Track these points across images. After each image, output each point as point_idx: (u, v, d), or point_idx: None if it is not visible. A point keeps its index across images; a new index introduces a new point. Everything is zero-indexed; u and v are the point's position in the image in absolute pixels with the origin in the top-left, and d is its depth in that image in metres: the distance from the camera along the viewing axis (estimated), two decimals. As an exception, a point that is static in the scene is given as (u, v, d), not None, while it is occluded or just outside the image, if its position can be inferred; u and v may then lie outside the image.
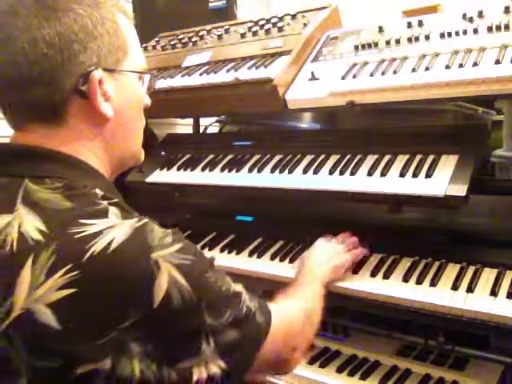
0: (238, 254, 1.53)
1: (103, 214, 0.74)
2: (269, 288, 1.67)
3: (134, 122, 0.91)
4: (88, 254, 0.68)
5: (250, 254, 1.50)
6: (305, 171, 1.42)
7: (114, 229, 0.72)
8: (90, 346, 0.67)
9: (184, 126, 2.37)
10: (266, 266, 1.43)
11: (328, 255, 1.26)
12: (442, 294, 1.16)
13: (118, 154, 0.90)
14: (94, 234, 0.70)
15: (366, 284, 1.25)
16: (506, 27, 1.25)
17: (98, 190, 0.78)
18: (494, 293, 1.12)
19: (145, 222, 0.76)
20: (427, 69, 1.24)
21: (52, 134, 0.81)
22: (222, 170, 1.59)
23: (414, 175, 1.24)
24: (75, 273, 0.67)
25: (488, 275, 1.19)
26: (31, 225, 0.71)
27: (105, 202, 0.76)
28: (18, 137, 0.83)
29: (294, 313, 0.99)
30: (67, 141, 0.82)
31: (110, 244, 0.70)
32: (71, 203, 0.74)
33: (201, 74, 1.61)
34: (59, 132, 0.82)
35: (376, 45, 1.43)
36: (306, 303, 1.05)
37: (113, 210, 0.76)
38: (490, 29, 1.27)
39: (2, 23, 0.77)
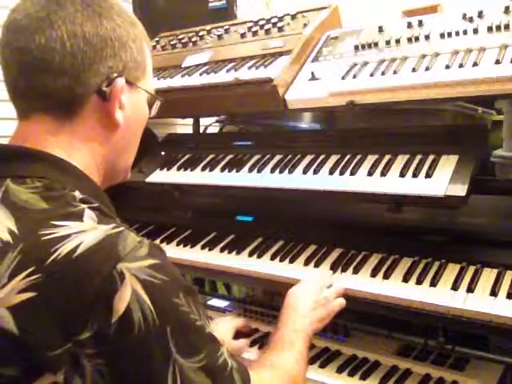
0: (238, 253, 1.52)
1: (77, 216, 0.72)
2: (269, 288, 1.68)
3: (135, 138, 0.94)
4: (52, 258, 0.66)
5: (250, 254, 1.50)
6: (305, 171, 1.42)
7: (84, 233, 0.69)
8: (46, 356, 0.64)
9: (184, 126, 2.37)
10: (265, 266, 1.43)
11: (317, 301, 1.15)
12: (441, 293, 1.16)
13: (114, 163, 0.91)
14: (61, 236, 0.68)
15: (366, 284, 1.25)
16: (506, 27, 1.25)
17: (77, 193, 0.77)
18: (494, 293, 1.12)
19: (120, 229, 0.72)
20: (427, 69, 1.25)
21: (58, 127, 0.82)
22: (222, 170, 1.59)
23: (414, 175, 1.24)
24: (37, 276, 0.65)
25: (488, 275, 1.19)
26: (4, 225, 0.70)
27: (82, 205, 0.74)
28: (23, 128, 0.83)
29: None
30: (70, 138, 0.83)
31: (76, 248, 0.67)
32: (47, 204, 0.73)
33: (201, 74, 1.61)
34: (67, 127, 0.82)
35: (376, 45, 1.43)
36: (287, 379, 0.95)
37: (89, 213, 0.73)
38: (489, 29, 1.27)
39: (49, 10, 0.80)
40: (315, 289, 1.19)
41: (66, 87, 0.80)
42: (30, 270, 0.66)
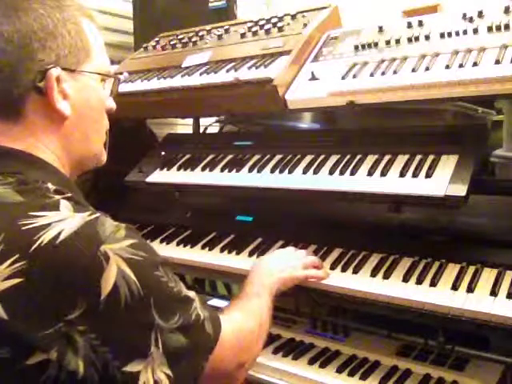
0: (238, 254, 1.52)
1: (54, 206, 0.75)
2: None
3: (93, 122, 0.92)
4: (36, 245, 0.69)
5: (250, 254, 1.50)
6: (305, 171, 1.42)
7: (63, 221, 0.72)
8: (38, 336, 0.67)
9: (184, 126, 2.37)
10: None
11: (284, 266, 1.25)
12: (442, 293, 1.16)
13: (76, 152, 0.91)
14: (42, 225, 0.71)
15: (366, 284, 1.25)
16: (506, 27, 1.25)
17: (50, 185, 0.79)
18: (494, 293, 1.12)
19: (97, 215, 0.76)
20: (427, 69, 1.24)
21: (8, 129, 0.83)
22: (222, 170, 1.59)
23: (414, 175, 1.24)
24: (22, 263, 0.68)
25: (488, 275, 1.19)
26: None
27: (57, 196, 0.77)
28: None
29: (243, 329, 0.98)
30: (23, 136, 0.83)
31: (58, 235, 0.70)
32: (22, 197, 0.75)
33: (201, 74, 1.61)
34: (16, 127, 0.83)
35: (376, 45, 1.43)
36: (255, 320, 1.04)
37: (65, 203, 0.76)
38: (490, 29, 1.26)
39: None
40: (281, 257, 1.30)
41: (0, 91, 0.80)
42: (14, 257, 0.68)
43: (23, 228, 0.70)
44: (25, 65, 0.80)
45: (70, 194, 0.79)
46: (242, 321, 1.00)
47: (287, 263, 1.27)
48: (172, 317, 0.78)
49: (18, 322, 0.67)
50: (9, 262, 0.68)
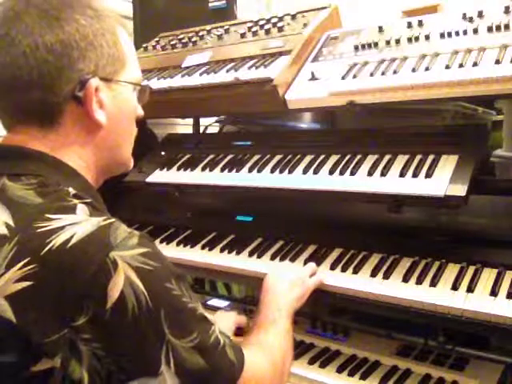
0: (238, 254, 1.52)
1: (70, 210, 0.75)
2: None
3: (125, 131, 0.93)
4: (47, 248, 0.68)
5: (250, 254, 1.50)
6: (305, 171, 1.42)
7: (77, 225, 0.71)
8: (45, 342, 0.66)
9: (184, 126, 2.37)
10: (265, 266, 1.43)
11: (292, 282, 1.22)
12: (442, 293, 1.16)
13: (106, 160, 0.91)
14: (56, 228, 0.71)
15: (365, 284, 1.25)
16: (506, 27, 1.25)
17: (70, 189, 0.79)
18: (494, 293, 1.12)
19: (111, 221, 0.75)
20: (427, 69, 1.25)
21: (42, 135, 0.83)
22: (222, 169, 1.59)
23: (414, 175, 1.24)
24: (33, 266, 0.68)
25: (488, 275, 1.19)
26: (1, 220, 0.73)
27: (75, 200, 0.77)
28: (9, 137, 0.85)
29: (263, 365, 0.92)
30: (57, 144, 0.84)
31: (70, 239, 0.69)
32: (42, 199, 0.75)
33: (201, 74, 1.61)
34: (50, 135, 0.83)
35: (376, 45, 1.43)
36: (275, 355, 0.98)
37: (82, 207, 0.76)
38: (490, 29, 1.27)
39: (7, 27, 0.80)
40: (289, 272, 1.27)
41: (39, 100, 0.80)
42: (26, 260, 0.68)
43: (38, 230, 0.70)
44: (65, 74, 0.80)
45: (89, 200, 0.79)
46: (261, 358, 0.94)
47: (294, 277, 1.24)
48: (186, 334, 0.74)
49: (26, 325, 0.66)
50: (20, 264, 0.68)
